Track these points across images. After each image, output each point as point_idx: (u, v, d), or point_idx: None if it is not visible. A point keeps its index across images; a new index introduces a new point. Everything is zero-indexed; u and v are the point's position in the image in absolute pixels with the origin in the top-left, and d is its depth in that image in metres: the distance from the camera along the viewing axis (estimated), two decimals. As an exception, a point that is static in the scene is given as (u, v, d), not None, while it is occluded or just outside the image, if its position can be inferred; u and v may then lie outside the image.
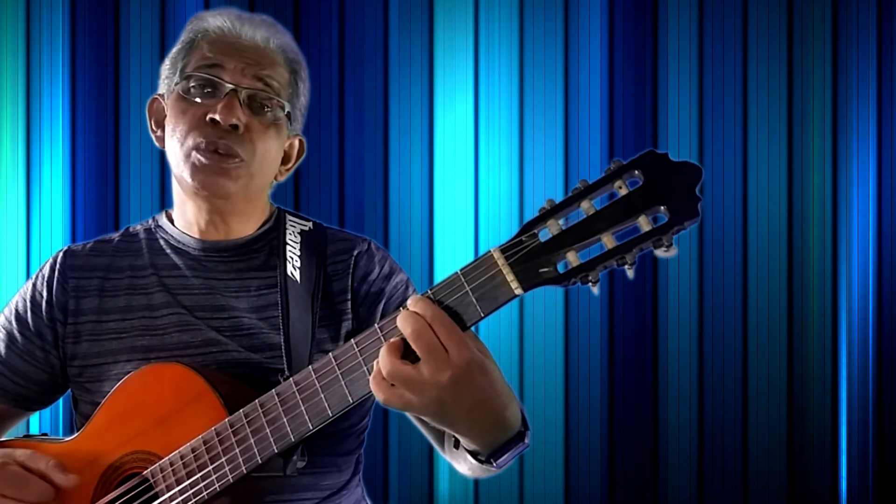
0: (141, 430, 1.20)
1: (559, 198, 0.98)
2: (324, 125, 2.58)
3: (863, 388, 2.56)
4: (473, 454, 1.08)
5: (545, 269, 0.97)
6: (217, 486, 1.14)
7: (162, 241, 1.37)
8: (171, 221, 1.39)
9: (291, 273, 1.31)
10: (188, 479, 1.15)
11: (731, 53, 2.60)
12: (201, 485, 1.15)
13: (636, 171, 0.94)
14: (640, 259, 0.95)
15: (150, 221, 1.42)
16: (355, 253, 1.36)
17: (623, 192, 0.95)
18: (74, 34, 2.60)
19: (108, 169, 2.60)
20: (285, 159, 1.39)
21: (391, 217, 2.61)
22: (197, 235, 1.35)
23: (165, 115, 1.33)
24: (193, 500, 1.15)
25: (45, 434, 1.35)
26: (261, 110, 1.29)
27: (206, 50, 1.29)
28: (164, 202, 2.57)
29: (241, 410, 1.13)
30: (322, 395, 1.07)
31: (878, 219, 2.57)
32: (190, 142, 1.27)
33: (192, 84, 1.28)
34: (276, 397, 1.11)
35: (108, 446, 1.22)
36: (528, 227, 0.98)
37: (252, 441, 1.12)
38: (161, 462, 1.17)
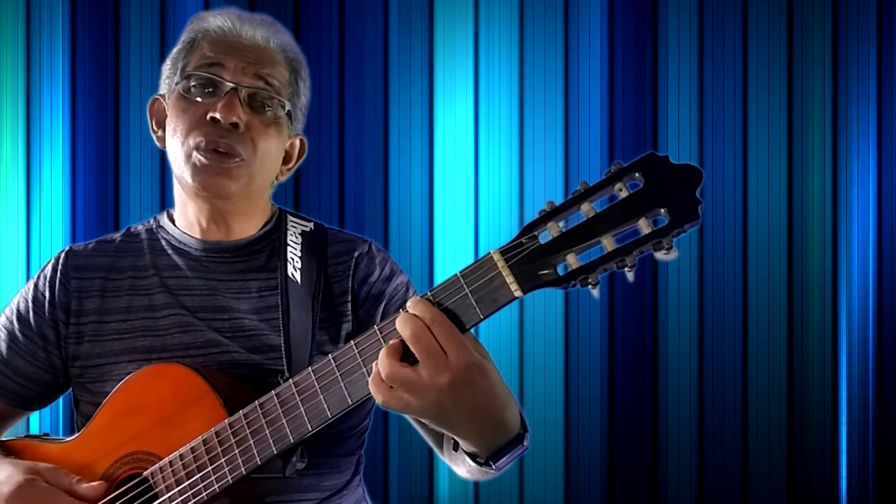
0: (141, 431, 1.20)
1: (559, 198, 0.98)
2: (324, 125, 2.58)
3: (863, 388, 2.56)
4: (472, 456, 1.08)
5: (545, 272, 0.97)
6: (216, 486, 1.14)
7: (163, 242, 1.37)
8: (173, 221, 1.39)
9: (292, 274, 1.31)
10: (188, 479, 1.15)
11: (731, 53, 2.60)
12: (201, 485, 1.15)
13: (636, 174, 0.94)
14: (639, 261, 0.95)
15: (152, 221, 1.42)
16: (356, 254, 1.36)
17: (623, 194, 0.94)
18: (74, 34, 2.60)
19: (108, 169, 2.60)
20: (286, 159, 1.39)
21: (391, 217, 2.61)
22: (198, 236, 1.35)
23: (166, 116, 1.33)
24: (193, 501, 1.15)
25: (46, 434, 1.35)
26: (261, 109, 1.29)
27: (206, 49, 1.29)
28: (164, 202, 2.57)
29: (240, 411, 1.13)
30: (321, 397, 1.07)
31: (878, 219, 2.57)
32: (191, 141, 1.27)
33: (193, 83, 1.28)
34: (275, 398, 1.11)
35: (108, 446, 1.22)
36: (528, 230, 0.98)
37: (251, 442, 1.12)
38: (161, 462, 1.17)
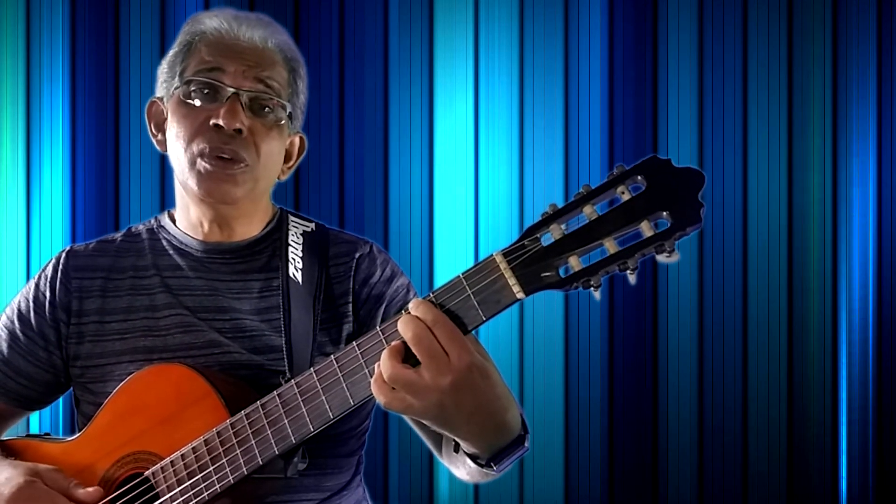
0: (143, 431, 1.20)
1: (559, 199, 0.99)
2: (324, 125, 2.58)
3: (863, 388, 2.56)
4: (473, 458, 1.08)
5: (547, 274, 0.97)
6: (218, 486, 1.14)
7: (164, 242, 1.37)
8: (174, 221, 1.39)
9: (293, 274, 1.31)
10: (189, 479, 1.15)
11: (731, 53, 2.60)
12: (202, 485, 1.15)
13: (639, 177, 0.95)
14: (640, 263, 0.95)
15: (153, 221, 1.42)
16: (357, 255, 1.36)
17: (625, 197, 0.95)
18: (74, 34, 2.60)
19: (108, 169, 2.60)
20: (287, 157, 1.39)
21: (391, 217, 2.61)
22: (199, 237, 1.35)
23: (165, 119, 1.33)
24: (194, 501, 1.15)
25: (48, 433, 1.35)
26: (262, 112, 1.29)
27: (204, 53, 1.29)
28: (164, 202, 2.57)
29: (242, 411, 1.13)
30: (323, 397, 1.07)
31: (878, 219, 2.57)
32: (194, 148, 1.27)
33: (193, 88, 1.28)
34: (277, 399, 1.11)
35: (110, 446, 1.22)
36: (530, 232, 0.98)
37: (253, 442, 1.12)
38: (162, 462, 1.18)
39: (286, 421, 1.10)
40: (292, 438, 1.10)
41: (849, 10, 2.58)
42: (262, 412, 1.12)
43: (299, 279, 1.30)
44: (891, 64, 2.58)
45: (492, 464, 1.06)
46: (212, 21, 1.31)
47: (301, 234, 1.36)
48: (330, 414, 1.07)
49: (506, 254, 0.98)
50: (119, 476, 1.22)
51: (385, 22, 2.62)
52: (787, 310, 2.58)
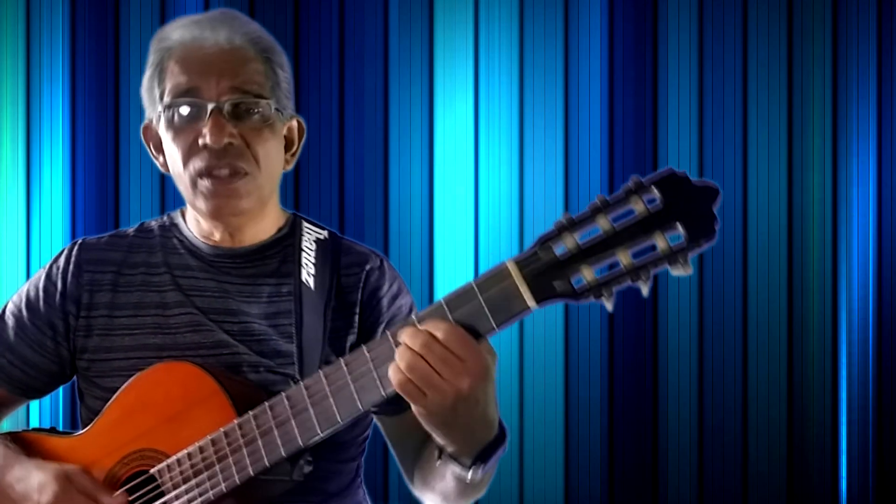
0: (150, 428, 1.20)
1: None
2: (324, 125, 2.58)
3: (863, 388, 2.56)
4: (455, 459, 1.09)
5: (560, 284, 0.97)
6: (223, 486, 1.14)
7: (176, 241, 1.37)
8: (185, 220, 1.38)
9: (306, 280, 1.30)
10: (194, 478, 1.16)
11: (731, 53, 2.60)
12: (207, 484, 1.15)
13: (654, 190, 0.95)
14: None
15: (165, 218, 1.41)
16: (367, 268, 1.35)
17: (640, 209, 0.95)
18: (74, 34, 2.60)
19: (108, 169, 2.60)
20: (288, 145, 1.36)
21: (391, 217, 2.61)
22: (210, 243, 1.35)
23: (160, 139, 1.32)
24: (199, 500, 1.15)
25: (54, 427, 1.35)
26: (248, 116, 1.26)
27: (176, 73, 1.26)
28: (164, 202, 2.57)
29: (249, 412, 1.13)
30: (332, 400, 1.07)
31: (878, 219, 2.57)
32: (191, 169, 1.26)
33: (174, 113, 1.26)
34: (285, 400, 1.11)
35: (116, 443, 1.22)
36: (543, 241, 0.98)
37: (260, 443, 1.12)
38: (168, 460, 1.18)
39: (293, 423, 1.10)
40: (299, 441, 1.10)
41: (849, 10, 2.58)
42: (269, 413, 1.12)
43: (312, 285, 1.30)
44: (891, 64, 2.58)
45: (478, 464, 1.07)
46: (175, 33, 1.28)
47: (314, 241, 1.36)
48: (338, 418, 1.07)
49: (518, 262, 0.99)
50: (125, 473, 1.22)
51: (385, 22, 2.62)
52: (787, 310, 2.58)
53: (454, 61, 2.62)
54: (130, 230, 1.40)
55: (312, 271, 1.32)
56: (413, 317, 1.03)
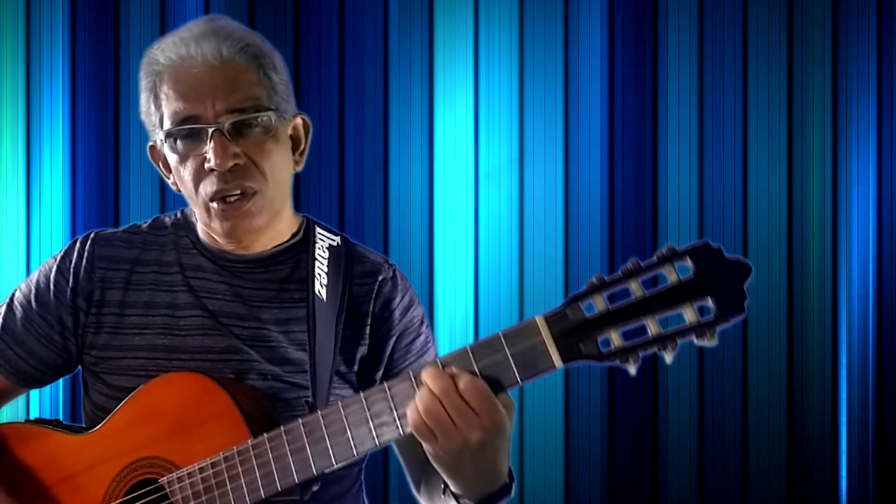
0: (160, 437, 1.20)
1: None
2: (324, 125, 2.58)
3: (863, 388, 2.56)
4: (457, 499, 1.12)
5: (587, 346, 0.99)
6: None
7: (188, 240, 1.36)
8: (198, 221, 1.37)
9: (319, 292, 1.30)
10: (205, 494, 1.15)
11: (731, 53, 2.60)
12: (218, 502, 1.15)
13: (687, 259, 0.97)
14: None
15: (179, 215, 1.40)
16: (380, 278, 1.35)
17: (672, 278, 0.97)
18: (74, 34, 2.59)
19: (108, 169, 2.60)
20: (296, 144, 1.35)
21: (391, 217, 2.61)
22: (220, 248, 1.34)
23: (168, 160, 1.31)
24: None
25: (58, 420, 1.34)
26: (249, 131, 1.25)
27: (172, 99, 1.25)
28: (164, 202, 2.57)
29: (265, 434, 1.13)
30: (349, 434, 1.08)
31: (878, 219, 2.57)
32: (202, 193, 1.26)
33: (176, 140, 1.26)
34: (301, 428, 1.11)
35: (125, 447, 1.22)
36: (574, 300, 1.00)
37: (273, 468, 1.12)
38: (179, 472, 1.18)
39: (309, 451, 1.10)
40: (314, 470, 1.11)
41: (849, 10, 2.57)
42: (284, 438, 1.12)
43: (324, 297, 1.30)
44: (891, 64, 2.58)
45: None
46: (162, 55, 1.26)
47: (327, 249, 1.35)
48: (355, 451, 1.08)
49: (548, 319, 1.00)
50: (133, 479, 1.21)
51: (385, 22, 2.62)
52: (787, 310, 2.58)
53: (454, 61, 2.62)
54: (144, 225, 1.39)
55: (325, 281, 1.31)
56: (437, 359, 1.04)
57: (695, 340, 0.98)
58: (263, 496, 1.13)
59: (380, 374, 1.35)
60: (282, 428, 1.12)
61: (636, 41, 2.61)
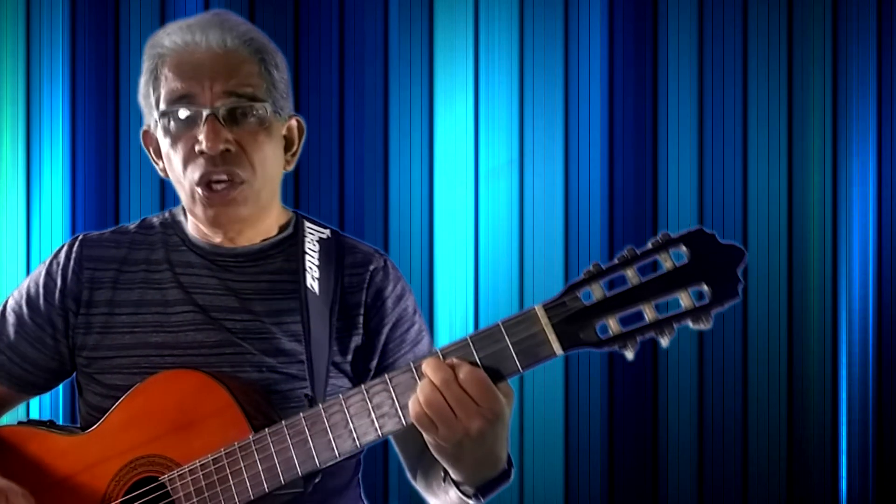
0: (159, 435, 1.20)
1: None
2: (324, 125, 2.58)
3: (863, 388, 2.56)
4: (458, 486, 1.13)
5: (586, 333, 1.01)
6: (237, 500, 1.15)
7: (177, 237, 1.36)
8: (186, 217, 1.38)
9: (311, 285, 1.30)
10: (207, 490, 1.15)
11: (731, 53, 2.60)
12: (220, 498, 1.15)
13: (682, 246, 0.99)
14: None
15: (167, 215, 1.40)
16: (371, 268, 1.36)
17: (668, 264, 0.99)
18: (74, 34, 2.59)
19: (108, 169, 2.60)
20: (288, 145, 1.36)
21: (391, 217, 2.61)
22: (210, 242, 1.34)
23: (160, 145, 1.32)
24: None
25: (52, 421, 1.34)
26: (244, 120, 1.26)
27: (170, 80, 1.26)
28: (164, 202, 2.57)
29: (266, 429, 1.13)
30: (352, 426, 1.09)
31: (878, 219, 2.57)
32: (190, 177, 1.26)
33: (170, 120, 1.26)
34: (303, 421, 1.11)
35: (124, 445, 1.22)
36: (572, 289, 1.02)
37: (276, 461, 1.12)
38: (180, 469, 1.17)
39: (311, 444, 1.11)
40: (317, 462, 1.11)
41: (849, 10, 2.57)
42: (286, 432, 1.12)
43: (316, 290, 1.30)
44: (891, 64, 2.58)
45: (479, 495, 1.12)
46: (167, 39, 1.27)
47: (317, 242, 1.35)
48: (357, 443, 1.09)
49: (547, 308, 1.02)
50: (132, 477, 1.21)
51: (385, 22, 2.62)
52: (787, 310, 2.58)
53: (454, 61, 2.62)
54: (132, 226, 1.40)
55: (317, 274, 1.32)
56: (438, 350, 1.05)
57: (690, 324, 0.99)
58: (266, 490, 1.13)
59: (374, 363, 1.35)
60: (283, 422, 1.13)
61: (636, 41, 2.61)
